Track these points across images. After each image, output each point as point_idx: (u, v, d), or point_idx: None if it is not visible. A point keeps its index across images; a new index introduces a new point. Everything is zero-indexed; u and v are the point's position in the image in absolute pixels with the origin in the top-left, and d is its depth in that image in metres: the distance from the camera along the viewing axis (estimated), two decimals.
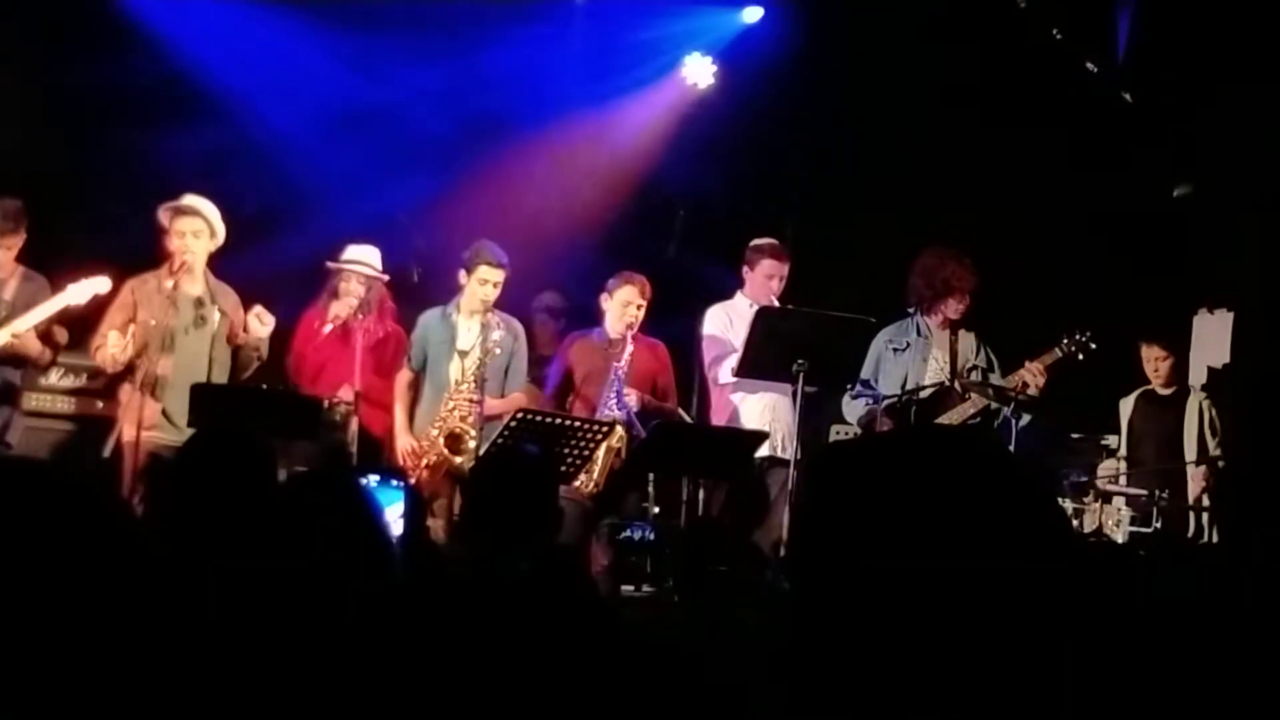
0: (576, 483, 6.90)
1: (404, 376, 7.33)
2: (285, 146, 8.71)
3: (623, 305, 7.32)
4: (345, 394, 7.08)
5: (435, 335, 7.29)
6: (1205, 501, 7.79)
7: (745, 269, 7.62)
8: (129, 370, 6.80)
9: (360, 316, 7.23)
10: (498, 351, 7.15)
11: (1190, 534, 7.62)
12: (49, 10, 8.38)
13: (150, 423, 6.64)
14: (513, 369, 7.35)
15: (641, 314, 7.35)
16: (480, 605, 2.32)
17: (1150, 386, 8.20)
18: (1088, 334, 7.27)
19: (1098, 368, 7.46)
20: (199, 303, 6.96)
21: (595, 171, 9.57)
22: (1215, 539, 7.56)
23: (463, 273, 7.22)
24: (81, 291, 6.76)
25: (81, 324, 7.04)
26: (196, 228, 6.94)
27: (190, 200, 7.03)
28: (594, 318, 7.65)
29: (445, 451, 7.02)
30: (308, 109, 8.91)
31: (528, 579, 2.36)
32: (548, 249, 8.91)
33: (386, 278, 7.38)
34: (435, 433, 7.07)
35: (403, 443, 7.18)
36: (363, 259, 7.35)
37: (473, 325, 7.22)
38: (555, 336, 8.40)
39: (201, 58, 8.79)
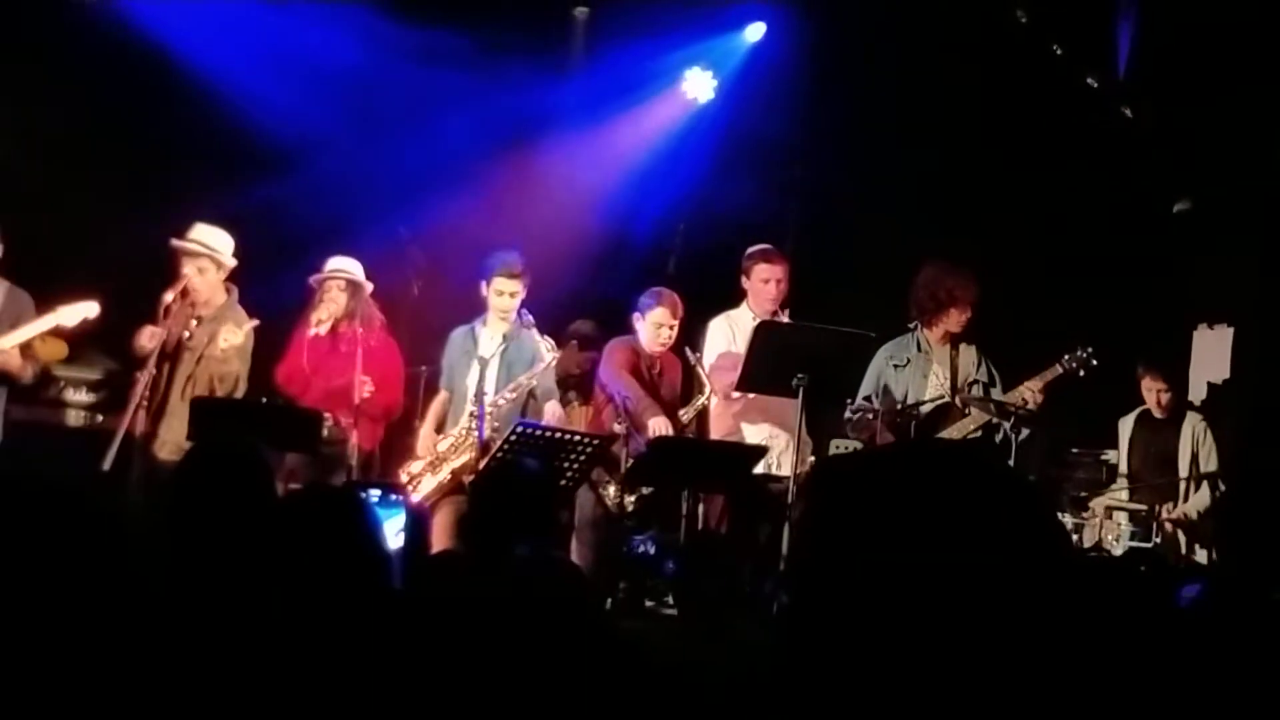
0: (610, 499, 6.90)
1: (439, 397, 7.31)
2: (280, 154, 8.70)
3: (655, 326, 7.25)
4: (344, 418, 7.06)
5: (458, 348, 7.27)
6: (1194, 517, 7.77)
7: (743, 279, 7.61)
8: (132, 383, 6.82)
9: (349, 324, 7.17)
10: (541, 367, 7.06)
11: (1183, 550, 7.61)
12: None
13: (146, 433, 6.71)
14: (542, 386, 7.23)
15: (674, 334, 7.29)
16: (475, 614, 2.33)
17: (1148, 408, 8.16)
18: (1089, 350, 7.25)
19: (1098, 384, 7.44)
20: (200, 323, 6.97)
21: (592, 189, 9.55)
22: (1203, 555, 7.54)
23: (484, 284, 7.20)
24: (72, 314, 6.74)
25: (83, 339, 7.03)
26: (201, 266, 6.97)
27: (194, 237, 7.03)
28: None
29: (475, 454, 6.88)
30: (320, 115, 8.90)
31: (522, 589, 2.36)
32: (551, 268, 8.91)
33: (370, 286, 7.32)
34: (460, 436, 7.01)
35: (427, 445, 7.13)
36: (343, 268, 7.32)
37: (495, 335, 7.20)
38: (582, 363, 8.35)
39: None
